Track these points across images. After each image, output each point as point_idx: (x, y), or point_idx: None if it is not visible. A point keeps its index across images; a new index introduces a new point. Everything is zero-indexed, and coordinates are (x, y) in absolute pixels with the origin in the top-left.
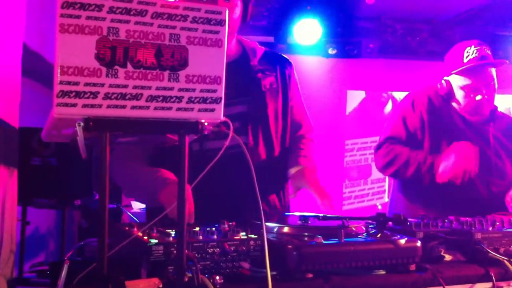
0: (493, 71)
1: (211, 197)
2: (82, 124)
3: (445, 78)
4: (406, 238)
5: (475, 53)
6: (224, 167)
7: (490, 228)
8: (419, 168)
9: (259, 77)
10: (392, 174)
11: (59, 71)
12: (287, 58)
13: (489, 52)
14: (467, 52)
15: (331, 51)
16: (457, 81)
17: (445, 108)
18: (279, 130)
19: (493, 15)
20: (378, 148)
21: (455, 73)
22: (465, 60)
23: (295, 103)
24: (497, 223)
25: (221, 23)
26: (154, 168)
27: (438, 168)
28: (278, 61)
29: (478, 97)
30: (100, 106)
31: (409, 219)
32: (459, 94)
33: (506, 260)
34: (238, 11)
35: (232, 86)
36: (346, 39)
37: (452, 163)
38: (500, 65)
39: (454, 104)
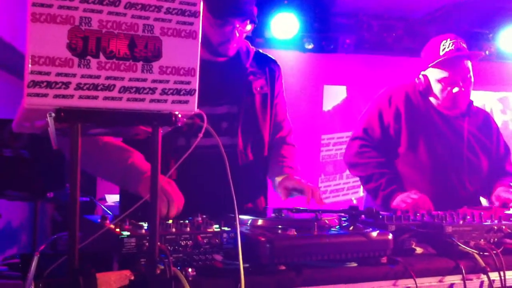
0: (469, 64)
1: (199, 194)
2: (53, 114)
3: (422, 72)
4: (378, 231)
5: (451, 46)
6: (212, 166)
7: (461, 222)
8: (378, 189)
9: (250, 80)
10: (354, 175)
11: (30, 60)
12: (275, 59)
13: (464, 45)
14: (443, 45)
15: (308, 46)
16: (434, 75)
17: (422, 104)
18: (267, 131)
19: (467, 12)
20: (353, 139)
21: (432, 66)
22: (441, 53)
23: (279, 104)
24: (468, 217)
25: (195, 14)
26: (124, 147)
27: (395, 199)
28: (267, 63)
29: (455, 90)
30: (71, 96)
31: (381, 213)
32: (436, 88)
33: (476, 253)
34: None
35: (222, 85)
36: (322, 34)
37: (411, 200)
38: (476, 57)
39: (432, 99)
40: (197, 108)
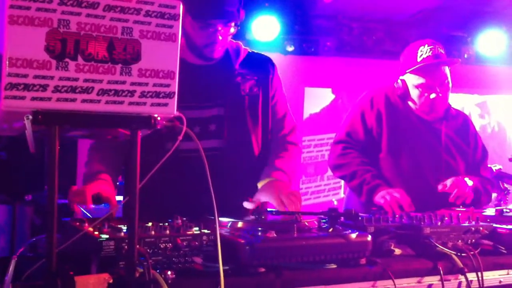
0: (447, 69)
1: (188, 197)
2: (30, 117)
3: (401, 77)
4: (357, 233)
5: (429, 52)
6: (199, 169)
7: (439, 223)
8: (362, 184)
9: (238, 81)
10: (338, 177)
11: (7, 63)
12: (270, 58)
13: (442, 51)
14: (421, 51)
15: (289, 48)
16: (412, 80)
17: (401, 106)
18: (259, 133)
19: (447, 16)
20: (336, 143)
21: (410, 72)
22: (419, 59)
23: (278, 102)
24: (446, 218)
25: (175, 17)
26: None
27: (378, 193)
28: (260, 63)
29: (433, 95)
30: (49, 99)
31: (360, 214)
32: (414, 93)
33: (454, 254)
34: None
35: (211, 88)
36: (303, 37)
37: (390, 197)
38: (453, 64)
39: (410, 103)
40: (186, 111)
